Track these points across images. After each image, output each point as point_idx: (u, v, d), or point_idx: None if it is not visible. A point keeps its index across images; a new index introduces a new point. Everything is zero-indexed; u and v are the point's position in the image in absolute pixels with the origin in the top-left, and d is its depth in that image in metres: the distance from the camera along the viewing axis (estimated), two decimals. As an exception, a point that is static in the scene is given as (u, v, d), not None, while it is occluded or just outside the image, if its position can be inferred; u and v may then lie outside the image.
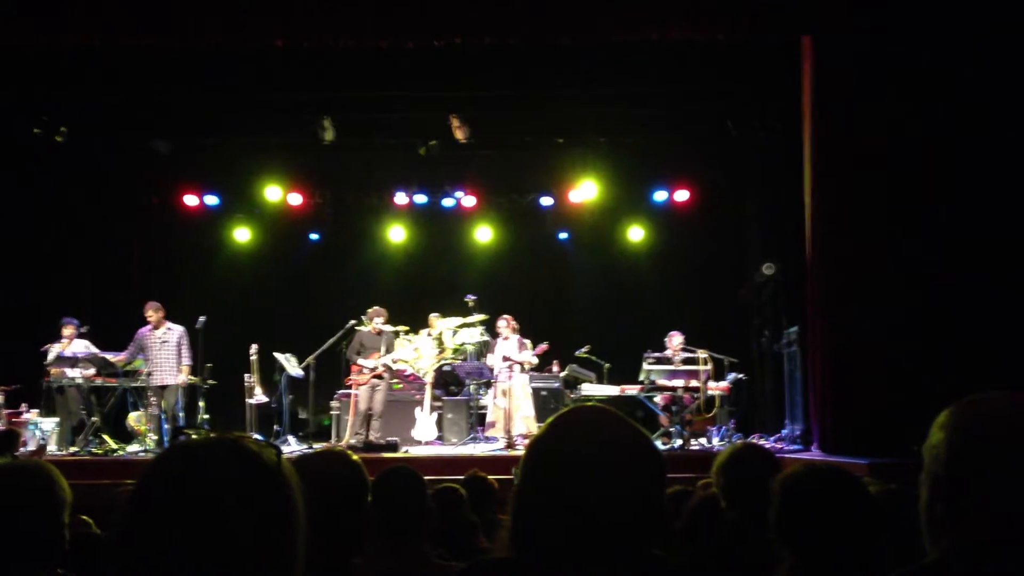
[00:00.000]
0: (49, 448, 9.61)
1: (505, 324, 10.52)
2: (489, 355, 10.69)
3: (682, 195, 12.96)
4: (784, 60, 9.11)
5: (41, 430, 9.73)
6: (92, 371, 10.03)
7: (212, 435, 1.13)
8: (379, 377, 10.22)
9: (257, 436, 9.62)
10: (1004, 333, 7.62)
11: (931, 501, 1.48)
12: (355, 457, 2.43)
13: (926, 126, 8.02)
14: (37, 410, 9.92)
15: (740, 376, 10.60)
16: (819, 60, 8.59)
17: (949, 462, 1.45)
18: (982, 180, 7.89)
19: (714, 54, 9.51)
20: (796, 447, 9.14)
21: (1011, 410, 1.45)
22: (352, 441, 10.01)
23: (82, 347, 10.25)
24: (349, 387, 10.59)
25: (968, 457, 1.43)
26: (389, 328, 10.58)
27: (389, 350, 10.35)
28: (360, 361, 10.20)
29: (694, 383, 10.06)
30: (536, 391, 10.83)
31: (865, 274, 8.29)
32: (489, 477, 5.09)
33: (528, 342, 10.59)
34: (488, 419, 10.52)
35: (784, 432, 9.80)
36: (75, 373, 9.98)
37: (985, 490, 1.41)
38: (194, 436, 1.13)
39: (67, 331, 10.19)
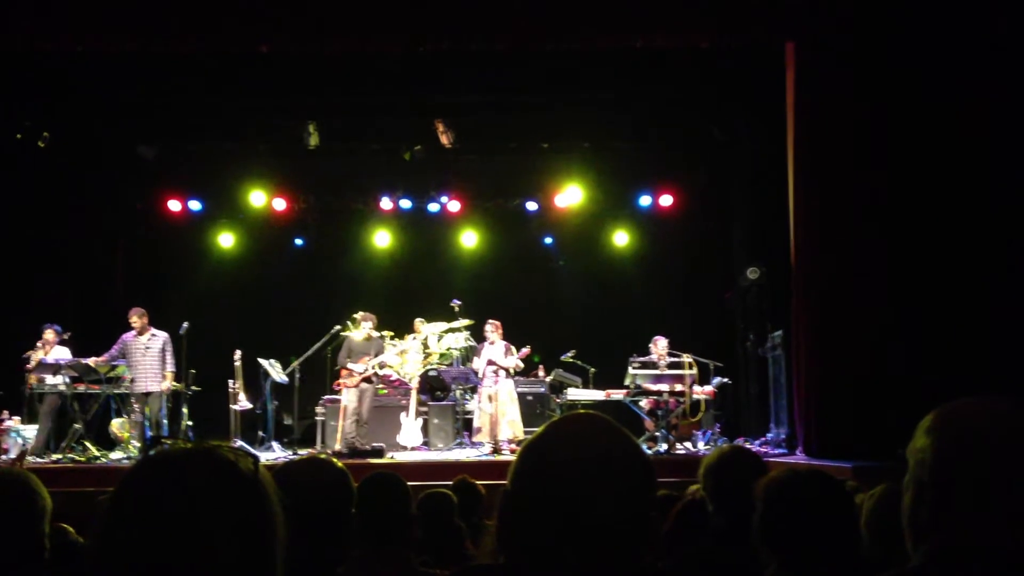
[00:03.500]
0: (30, 456, 9.53)
1: (492, 329, 10.51)
2: (475, 359, 10.68)
3: (667, 200, 13.00)
4: (768, 65, 9.15)
5: (23, 437, 9.65)
6: (65, 381, 9.92)
7: (189, 444, 1.12)
8: (368, 381, 10.20)
9: (240, 443, 9.60)
10: (990, 337, 7.64)
11: (915, 505, 1.48)
12: (340, 464, 2.41)
13: (911, 130, 8.06)
14: (19, 417, 9.84)
15: (725, 380, 10.62)
16: (803, 65, 8.63)
17: (935, 467, 1.44)
18: (968, 183, 7.91)
19: (699, 59, 9.54)
20: (781, 451, 9.16)
21: (997, 415, 1.45)
22: (339, 447, 9.98)
23: (63, 354, 10.15)
24: (336, 391, 10.55)
25: (954, 463, 1.43)
26: (376, 333, 10.56)
27: (378, 355, 10.33)
28: (350, 365, 10.17)
29: (679, 387, 10.07)
30: (522, 396, 10.83)
31: (849, 278, 8.31)
32: (477, 483, 5.08)
33: (514, 347, 10.58)
34: (474, 424, 10.49)
35: (769, 436, 9.83)
36: (56, 380, 9.88)
37: (970, 495, 1.41)
38: (171, 445, 1.12)
39: (48, 335, 10.09)
